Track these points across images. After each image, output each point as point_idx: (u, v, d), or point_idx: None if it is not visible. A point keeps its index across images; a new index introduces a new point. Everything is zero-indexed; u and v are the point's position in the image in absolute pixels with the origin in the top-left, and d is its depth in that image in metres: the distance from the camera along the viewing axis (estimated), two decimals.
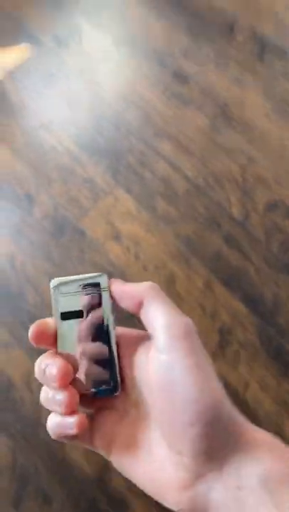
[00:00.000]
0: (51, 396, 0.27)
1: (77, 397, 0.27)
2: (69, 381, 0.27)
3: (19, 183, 1.18)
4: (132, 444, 0.27)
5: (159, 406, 0.25)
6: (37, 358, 0.29)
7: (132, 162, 1.17)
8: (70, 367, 0.27)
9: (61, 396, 0.26)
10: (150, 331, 0.27)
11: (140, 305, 0.28)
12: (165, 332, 0.25)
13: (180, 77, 1.23)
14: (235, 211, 1.11)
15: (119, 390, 0.28)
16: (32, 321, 0.29)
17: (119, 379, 0.28)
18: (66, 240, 1.11)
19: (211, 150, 1.16)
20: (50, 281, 0.30)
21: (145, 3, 1.34)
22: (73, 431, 0.26)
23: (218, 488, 0.23)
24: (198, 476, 0.24)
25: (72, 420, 0.26)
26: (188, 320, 0.26)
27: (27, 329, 0.29)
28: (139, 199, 1.13)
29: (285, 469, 0.22)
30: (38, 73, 1.29)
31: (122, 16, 1.34)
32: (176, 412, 0.24)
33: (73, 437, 0.27)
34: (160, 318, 0.26)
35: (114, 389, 0.28)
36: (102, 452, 0.29)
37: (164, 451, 0.26)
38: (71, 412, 0.26)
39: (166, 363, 0.25)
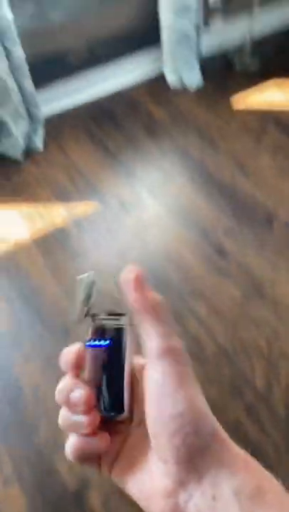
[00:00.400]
0: (74, 419, 0.29)
1: (98, 419, 0.29)
2: (93, 406, 0.29)
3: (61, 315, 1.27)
4: (132, 462, 0.29)
5: (150, 418, 0.27)
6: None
7: None
8: (92, 392, 0.29)
9: (85, 419, 0.28)
10: (146, 345, 0.29)
11: (145, 312, 0.29)
12: (154, 354, 0.27)
13: (220, 251, 1.40)
14: (259, 383, 1.13)
15: (128, 415, 0.30)
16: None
17: (128, 406, 0.30)
18: None
19: (241, 319, 1.25)
20: None
21: (197, 186, 1.60)
22: (101, 446, 0.28)
23: (197, 497, 0.25)
24: (180, 484, 0.26)
25: (96, 439, 0.28)
26: (177, 338, 0.28)
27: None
28: None
29: (257, 485, 0.25)
30: (99, 227, 1.50)
31: (177, 194, 1.59)
32: (164, 423, 0.26)
33: (97, 456, 0.29)
34: (151, 341, 0.28)
35: (124, 413, 0.30)
36: (104, 471, 0.30)
37: (155, 462, 0.28)
38: (94, 434, 0.28)
39: (156, 380, 0.27)
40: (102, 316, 0.31)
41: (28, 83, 1.65)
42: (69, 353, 0.30)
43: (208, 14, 2.02)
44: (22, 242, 1.49)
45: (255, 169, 1.64)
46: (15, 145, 1.71)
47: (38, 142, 1.77)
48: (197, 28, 1.90)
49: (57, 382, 0.29)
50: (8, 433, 1.09)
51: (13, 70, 1.59)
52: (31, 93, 1.67)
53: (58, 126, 1.88)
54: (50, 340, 1.23)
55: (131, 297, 0.29)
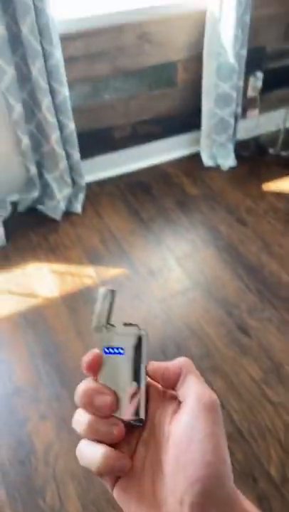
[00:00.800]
0: (97, 424, 0.30)
1: (124, 430, 0.30)
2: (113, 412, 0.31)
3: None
4: (139, 490, 0.29)
5: (171, 455, 0.28)
6: None
7: None
8: (116, 398, 0.31)
9: (116, 429, 0.30)
10: (181, 398, 0.30)
11: (176, 378, 0.31)
12: (196, 400, 0.29)
13: (243, 328, 1.42)
14: (274, 471, 1.10)
15: (143, 424, 0.32)
16: None
17: (144, 415, 0.32)
18: None
19: (259, 400, 1.24)
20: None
21: (224, 261, 1.66)
22: (128, 464, 0.29)
23: None
24: None
25: (124, 456, 0.30)
26: (215, 396, 0.30)
27: None
28: None
29: None
30: (126, 292, 1.56)
31: (204, 267, 1.65)
32: (188, 467, 0.27)
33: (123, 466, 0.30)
34: (194, 389, 0.30)
35: (140, 422, 0.31)
36: (107, 484, 0.31)
37: (165, 498, 0.28)
38: (119, 439, 0.30)
39: (190, 424, 0.28)
40: (120, 326, 0.33)
41: (76, 153, 1.80)
42: (89, 356, 0.32)
43: (246, 105, 2.19)
44: (51, 298, 1.55)
45: (281, 250, 1.70)
46: (56, 207, 1.84)
47: (78, 206, 1.90)
48: (235, 117, 2.06)
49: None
50: (15, 493, 1.08)
51: (64, 140, 1.75)
52: (77, 162, 1.82)
53: (97, 192, 2.01)
54: (67, 401, 1.25)
55: (162, 364, 0.32)
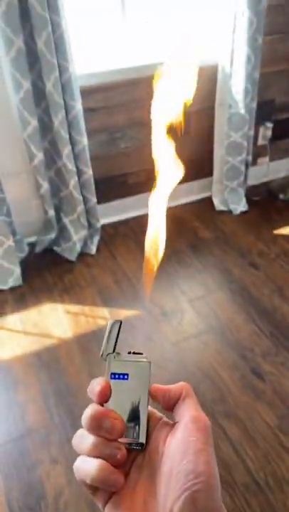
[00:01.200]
0: (102, 446, 0.32)
1: (126, 453, 0.32)
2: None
3: None
4: (127, 502, 0.32)
5: (165, 470, 0.31)
6: None
7: None
8: (124, 423, 0.33)
9: (120, 453, 0.32)
10: (178, 417, 0.33)
11: (176, 400, 0.34)
12: (191, 421, 0.32)
13: (257, 373, 1.41)
14: None
15: (143, 448, 0.34)
16: None
17: (145, 439, 0.34)
18: None
19: (275, 449, 1.20)
20: None
21: (237, 304, 1.67)
22: (120, 482, 0.31)
23: None
24: None
25: (119, 473, 0.32)
26: (208, 421, 0.33)
27: None
28: None
29: None
30: (139, 333, 1.56)
31: (216, 309, 1.66)
32: (181, 475, 0.29)
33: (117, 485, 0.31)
34: (190, 411, 0.33)
35: (142, 446, 0.34)
36: (99, 502, 0.33)
37: (157, 509, 0.30)
38: (119, 466, 0.32)
39: (185, 439, 0.31)
40: (125, 354, 0.36)
41: (92, 198, 1.87)
42: (96, 383, 0.34)
43: (256, 153, 2.28)
44: (65, 339, 1.56)
45: None
46: (72, 249, 1.89)
47: (92, 247, 1.95)
48: (246, 164, 2.14)
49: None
50: None
51: (82, 186, 1.83)
52: (93, 206, 1.89)
53: (112, 234, 2.07)
54: None
55: (173, 386, 0.35)
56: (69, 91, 1.61)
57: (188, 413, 0.33)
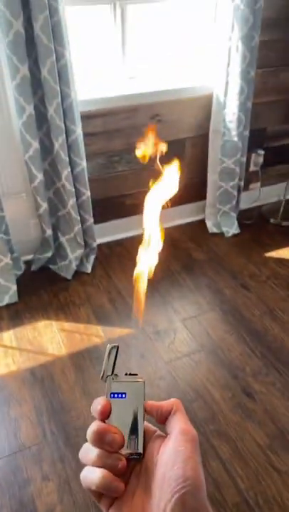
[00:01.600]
0: (105, 457, 0.37)
1: (126, 464, 0.37)
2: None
3: None
4: (128, 506, 0.36)
5: (158, 475, 0.35)
6: None
7: None
8: (123, 437, 0.37)
9: (121, 463, 0.36)
10: (169, 430, 0.38)
11: (168, 414, 0.39)
12: (181, 433, 0.36)
13: (247, 392, 1.44)
14: None
15: (143, 455, 0.38)
16: None
17: (142, 450, 0.38)
18: None
19: (265, 468, 1.22)
20: None
21: (228, 324, 1.70)
22: (121, 489, 0.36)
23: None
24: None
25: (119, 482, 0.36)
26: (195, 433, 0.37)
27: None
28: None
29: None
30: (133, 351, 1.59)
31: (208, 329, 1.69)
32: (172, 480, 0.34)
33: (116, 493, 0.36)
34: (180, 424, 0.37)
35: (140, 456, 0.38)
36: (103, 507, 0.37)
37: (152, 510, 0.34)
38: (119, 475, 0.36)
39: (175, 449, 0.35)
40: (122, 376, 0.41)
41: (90, 218, 1.92)
42: (97, 403, 0.39)
43: (248, 178, 2.36)
44: (59, 356, 1.58)
45: (283, 315, 1.75)
46: (68, 267, 1.93)
47: (88, 266, 1.99)
48: (238, 189, 2.21)
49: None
50: None
51: (79, 206, 1.88)
52: (90, 226, 1.94)
53: (107, 253, 2.11)
54: (71, 463, 1.24)
55: (165, 402, 0.40)
56: (70, 116, 1.67)
57: (178, 426, 0.37)
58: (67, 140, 1.72)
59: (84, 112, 1.81)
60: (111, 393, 0.40)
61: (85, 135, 1.81)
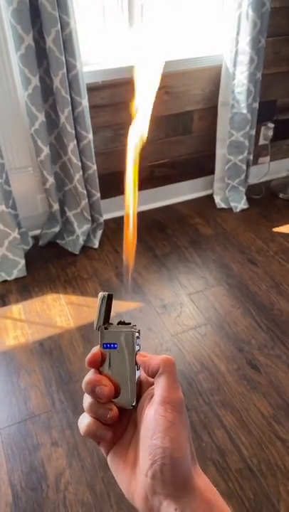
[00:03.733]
0: (96, 406, 0.37)
1: (117, 415, 0.37)
2: (112, 398, 0.38)
3: None
4: (126, 460, 0.37)
5: (142, 438, 0.36)
6: None
7: (195, 420, 1.29)
8: (113, 389, 0.37)
9: (110, 414, 0.37)
10: (154, 392, 0.37)
11: (156, 371, 0.37)
12: (161, 400, 0.35)
13: (252, 364, 1.45)
14: (283, 509, 1.10)
15: (136, 406, 0.38)
16: None
17: (135, 398, 0.38)
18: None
19: (269, 437, 1.25)
20: None
21: (235, 298, 1.71)
22: (107, 436, 0.37)
23: (164, 506, 0.33)
24: (153, 494, 0.34)
25: (106, 430, 0.37)
26: (179, 396, 0.36)
27: None
28: None
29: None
30: (139, 324, 1.61)
31: (215, 303, 1.70)
32: (150, 450, 0.34)
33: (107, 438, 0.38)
34: (162, 389, 0.36)
35: (132, 407, 0.38)
36: (103, 451, 0.39)
37: (139, 470, 0.35)
38: (108, 424, 0.37)
39: (154, 417, 0.35)
40: (115, 325, 0.39)
41: (96, 193, 1.92)
42: (89, 354, 0.39)
43: (257, 152, 2.32)
44: (67, 328, 1.61)
45: None
46: (75, 242, 1.94)
47: (95, 241, 1.99)
48: (247, 163, 2.18)
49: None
50: None
51: (86, 180, 1.87)
52: (97, 201, 1.93)
53: (114, 229, 2.11)
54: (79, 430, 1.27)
55: (155, 358, 0.38)
56: (76, 87, 1.65)
57: (159, 392, 0.36)
58: (73, 112, 1.69)
59: (90, 83, 1.78)
60: (103, 343, 0.39)
61: (91, 107, 1.78)
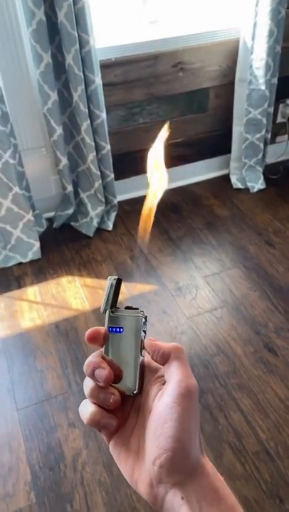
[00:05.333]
0: (97, 391, 0.36)
1: (120, 400, 0.36)
2: (111, 382, 0.36)
3: None
4: (129, 447, 0.36)
5: (151, 426, 0.35)
6: None
7: (211, 403, 1.28)
8: (112, 373, 0.36)
9: (112, 399, 0.36)
10: (166, 379, 0.36)
11: (166, 359, 0.36)
12: (175, 386, 0.34)
13: (269, 347, 1.44)
14: None
15: (139, 392, 0.37)
16: None
17: (138, 384, 0.37)
18: None
19: (286, 420, 1.24)
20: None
21: (252, 281, 1.68)
22: (112, 424, 0.36)
23: (171, 494, 0.33)
24: (160, 482, 0.33)
25: (110, 418, 0.36)
26: (195, 383, 0.35)
27: None
28: (208, 440, 1.19)
29: (215, 502, 0.32)
30: (154, 307, 1.60)
31: (231, 285, 1.68)
32: (160, 439, 0.33)
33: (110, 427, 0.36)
34: (175, 375, 0.35)
35: (134, 394, 0.37)
36: (104, 438, 0.38)
37: (144, 458, 0.35)
38: (111, 411, 0.36)
39: (168, 405, 0.34)
40: (122, 309, 0.39)
41: (110, 174, 1.88)
42: (89, 330, 0.38)
43: (275, 130, 2.25)
44: (82, 310, 1.61)
45: None
46: (89, 224, 1.92)
47: (109, 223, 1.97)
48: (264, 141, 2.11)
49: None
50: (45, 498, 1.11)
51: (99, 161, 1.84)
52: (111, 182, 1.90)
53: (128, 211, 2.09)
54: None
55: (157, 343, 0.37)
56: (89, 64, 1.60)
57: (173, 378, 0.35)
58: (86, 91, 1.65)
59: (103, 60, 1.73)
60: (109, 327, 0.38)
61: (105, 85, 1.73)
